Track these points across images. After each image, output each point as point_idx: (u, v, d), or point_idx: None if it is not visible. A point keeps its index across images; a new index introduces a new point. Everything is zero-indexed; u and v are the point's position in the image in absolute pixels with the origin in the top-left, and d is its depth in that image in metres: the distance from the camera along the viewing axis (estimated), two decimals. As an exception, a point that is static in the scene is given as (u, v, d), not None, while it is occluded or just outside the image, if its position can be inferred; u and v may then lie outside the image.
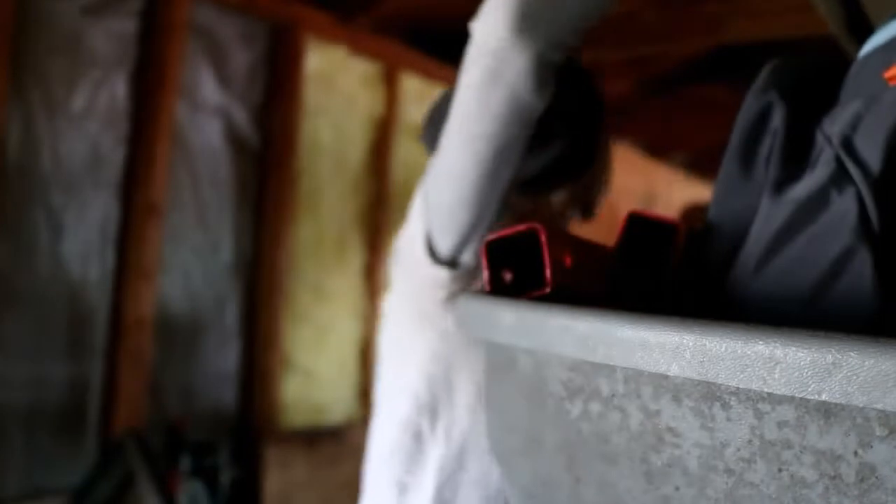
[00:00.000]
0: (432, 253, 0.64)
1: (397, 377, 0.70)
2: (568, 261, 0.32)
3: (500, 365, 0.32)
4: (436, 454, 0.67)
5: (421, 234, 0.65)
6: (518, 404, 0.30)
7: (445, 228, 0.63)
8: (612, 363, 0.23)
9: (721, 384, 0.20)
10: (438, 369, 0.67)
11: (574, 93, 0.71)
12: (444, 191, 0.62)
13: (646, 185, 3.68)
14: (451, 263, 0.64)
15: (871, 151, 0.25)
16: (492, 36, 0.54)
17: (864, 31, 0.34)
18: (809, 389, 0.18)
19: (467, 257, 0.64)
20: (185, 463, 1.65)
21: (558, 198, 0.74)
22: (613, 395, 0.24)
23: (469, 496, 0.66)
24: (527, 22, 0.52)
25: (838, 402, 0.18)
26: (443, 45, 2.13)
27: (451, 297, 0.65)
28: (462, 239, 0.63)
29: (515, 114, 0.56)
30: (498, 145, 0.58)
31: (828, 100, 0.31)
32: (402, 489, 0.69)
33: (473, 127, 0.58)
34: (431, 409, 0.67)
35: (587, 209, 0.77)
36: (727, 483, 0.21)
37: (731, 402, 0.21)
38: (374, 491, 0.72)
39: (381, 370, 0.74)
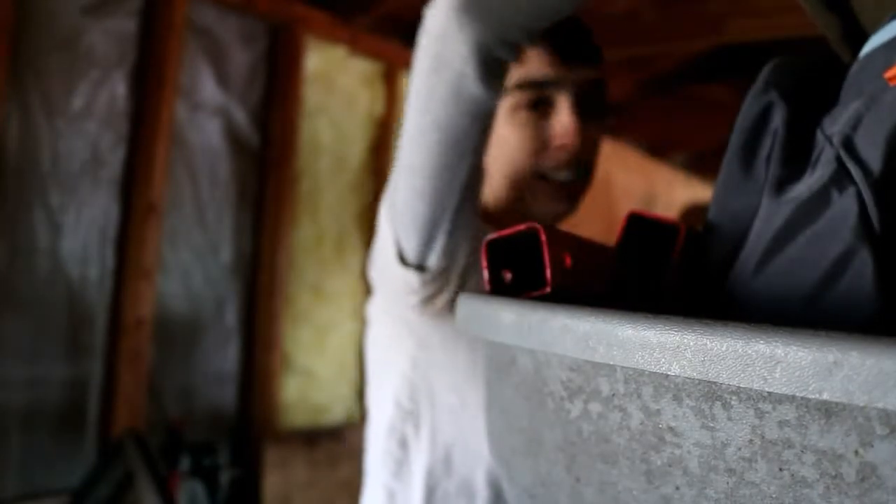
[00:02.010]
0: (402, 257, 0.63)
1: (381, 384, 0.70)
2: (568, 261, 0.32)
3: (500, 365, 0.32)
4: (421, 461, 0.67)
5: (390, 239, 0.64)
6: (518, 404, 0.30)
7: (408, 228, 0.61)
8: (612, 363, 0.23)
9: (722, 383, 0.20)
10: (418, 376, 0.67)
11: None
12: (403, 186, 0.60)
13: (646, 185, 3.68)
14: (420, 267, 0.63)
15: (872, 151, 0.25)
16: (439, 19, 0.53)
17: (859, 39, 0.34)
18: (810, 389, 0.18)
19: (434, 260, 0.62)
20: (185, 463, 1.65)
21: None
22: (614, 395, 0.24)
23: (456, 502, 0.66)
24: (472, 4, 0.51)
25: (839, 401, 0.18)
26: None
27: (425, 303, 0.64)
28: (425, 238, 0.61)
29: (461, 102, 0.54)
30: (448, 136, 0.56)
31: (828, 100, 0.31)
32: (391, 495, 0.69)
33: (424, 116, 0.57)
34: (414, 415, 0.67)
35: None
36: (728, 483, 0.21)
37: (732, 402, 0.21)
38: (368, 494, 0.72)
39: (368, 377, 0.73)
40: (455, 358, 0.65)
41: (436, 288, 0.63)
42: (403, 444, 0.68)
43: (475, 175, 0.60)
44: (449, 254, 0.62)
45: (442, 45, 0.53)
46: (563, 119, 0.66)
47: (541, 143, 0.67)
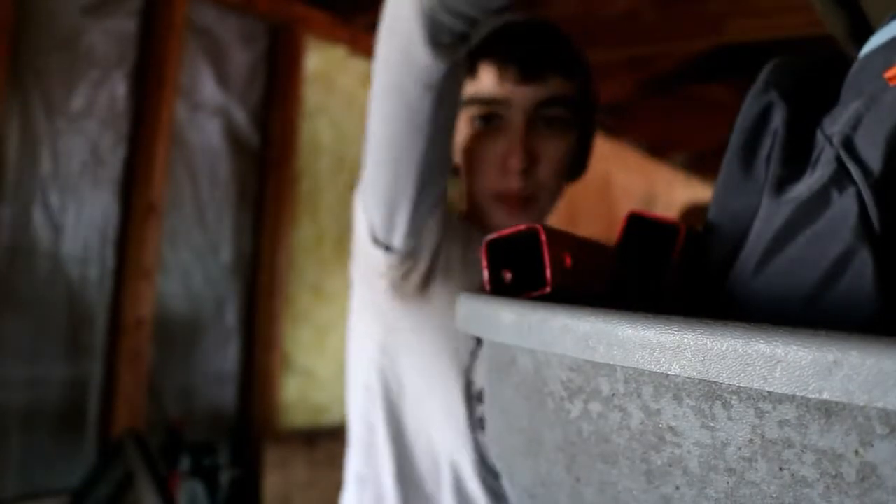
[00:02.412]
0: (374, 237, 0.63)
1: (355, 373, 0.70)
2: (568, 261, 0.32)
3: (500, 365, 0.32)
4: (389, 446, 0.67)
5: (362, 217, 0.64)
6: (518, 404, 0.30)
7: (371, 201, 0.61)
8: (612, 363, 0.23)
9: (722, 383, 0.20)
10: (386, 361, 0.67)
11: None
12: (367, 157, 0.60)
13: (646, 185, 3.68)
14: (387, 248, 0.63)
15: (872, 151, 0.26)
16: None
17: (866, 35, 0.34)
18: (810, 388, 0.18)
19: (398, 240, 0.62)
20: (185, 463, 1.66)
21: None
22: (614, 395, 0.24)
23: (424, 485, 0.66)
24: None
25: (839, 400, 0.18)
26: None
27: (394, 287, 0.64)
28: (387, 213, 0.61)
29: (411, 68, 0.54)
30: (400, 104, 0.55)
31: (828, 99, 0.31)
32: (362, 482, 0.69)
33: (380, 82, 0.56)
34: (383, 400, 0.67)
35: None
36: (728, 482, 0.21)
37: (732, 402, 0.21)
38: (346, 484, 0.73)
39: (347, 370, 0.74)
40: (422, 343, 0.65)
41: (403, 271, 0.63)
42: (372, 429, 0.68)
43: (435, 155, 0.59)
44: (413, 235, 0.62)
45: (394, 7, 0.53)
46: (510, 139, 0.66)
47: (491, 161, 0.67)
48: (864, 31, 0.34)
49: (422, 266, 0.64)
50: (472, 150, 0.68)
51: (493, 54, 0.66)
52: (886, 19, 0.29)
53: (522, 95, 0.65)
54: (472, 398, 0.65)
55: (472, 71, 0.67)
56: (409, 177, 0.59)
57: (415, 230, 0.62)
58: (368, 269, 0.65)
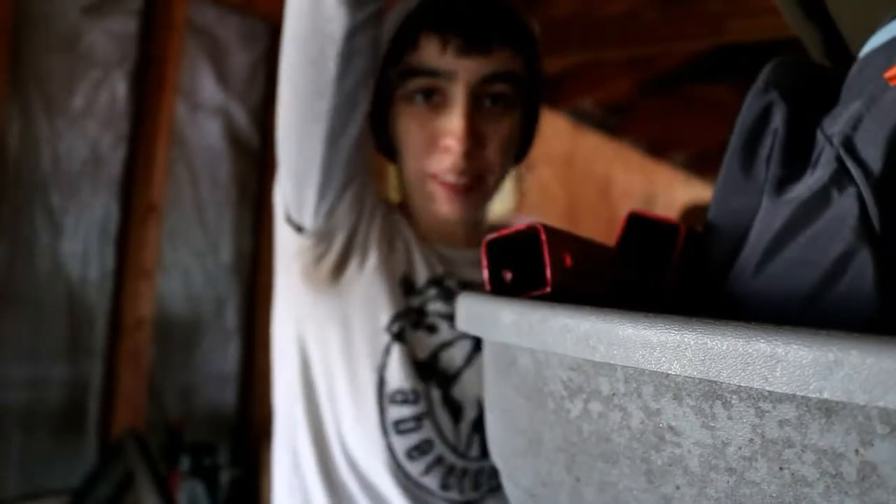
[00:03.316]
0: (287, 215, 0.60)
1: (278, 366, 0.66)
2: (568, 260, 0.32)
3: (500, 365, 0.32)
4: (310, 449, 0.62)
5: (278, 193, 0.61)
6: (519, 404, 0.30)
7: (283, 171, 0.58)
8: (612, 362, 0.23)
9: (722, 383, 0.21)
10: (301, 356, 0.63)
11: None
12: (277, 127, 0.58)
13: (646, 185, 3.68)
14: (298, 227, 0.59)
15: (872, 151, 0.26)
16: None
17: (840, 50, 0.34)
18: (811, 388, 0.18)
19: (308, 220, 0.58)
20: (185, 463, 1.66)
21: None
22: (614, 395, 0.24)
23: (346, 484, 0.62)
24: None
25: (839, 400, 0.18)
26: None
27: (306, 272, 0.60)
28: (295, 184, 0.57)
29: (315, 16, 0.51)
30: (304, 57, 0.52)
31: (828, 99, 0.31)
32: (291, 490, 0.64)
33: (286, 33, 0.54)
34: (303, 399, 0.63)
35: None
36: (728, 482, 0.21)
37: (733, 401, 0.21)
38: (274, 493, 0.67)
39: (273, 361, 0.69)
40: (333, 337, 0.61)
41: (315, 255, 0.60)
42: (296, 435, 0.64)
43: (343, 126, 0.55)
44: (323, 215, 0.58)
45: None
46: (451, 118, 0.59)
47: (430, 140, 0.60)
48: (837, 42, 0.34)
49: (334, 251, 0.60)
50: (409, 128, 0.61)
51: (436, 23, 0.59)
52: (885, 20, 0.29)
53: (467, 68, 0.58)
54: (385, 398, 0.60)
55: (412, 41, 0.60)
56: (315, 147, 0.55)
57: (324, 209, 0.58)
58: (283, 250, 0.62)
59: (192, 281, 1.79)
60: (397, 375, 0.60)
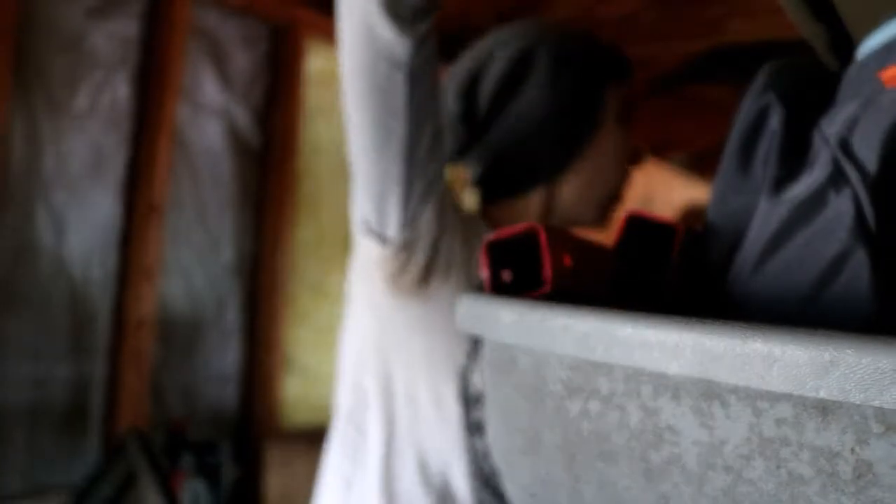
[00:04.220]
0: (367, 227, 0.61)
1: (347, 368, 0.68)
2: (568, 261, 0.32)
3: (500, 364, 0.32)
4: (377, 448, 0.64)
5: (356, 208, 0.62)
6: (518, 404, 0.30)
7: (360, 190, 0.59)
8: (611, 362, 0.23)
9: (720, 382, 0.21)
10: (378, 360, 0.64)
11: (531, 93, 0.65)
12: (351, 144, 0.58)
13: (645, 186, 3.67)
14: (382, 238, 0.60)
15: (868, 152, 0.26)
16: None
17: (846, 47, 0.34)
18: (807, 387, 0.18)
19: (392, 231, 0.59)
20: (187, 462, 1.66)
21: (531, 202, 0.69)
22: (613, 394, 0.24)
23: (411, 489, 0.63)
24: None
25: (836, 399, 0.18)
26: (442, 46, 2.12)
27: (391, 281, 0.61)
28: (377, 203, 0.58)
29: (375, 45, 0.52)
30: (372, 85, 0.53)
31: (825, 101, 0.31)
32: (348, 484, 0.66)
33: (346, 65, 0.55)
34: (377, 401, 0.64)
35: (589, 213, 0.72)
36: (726, 480, 0.21)
37: (730, 400, 0.21)
38: (325, 485, 0.69)
39: (340, 361, 0.70)
40: (417, 341, 0.62)
41: (400, 263, 0.60)
42: (360, 430, 0.65)
43: (419, 139, 0.56)
44: (408, 226, 0.59)
45: None
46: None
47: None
48: (845, 42, 0.34)
49: (420, 259, 0.61)
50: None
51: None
52: (882, 22, 0.30)
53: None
54: (469, 401, 0.62)
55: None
56: (394, 164, 0.56)
57: (408, 221, 0.59)
58: (365, 261, 0.63)
59: (194, 281, 1.79)
60: (479, 377, 0.62)
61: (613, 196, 0.73)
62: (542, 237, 0.31)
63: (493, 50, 0.69)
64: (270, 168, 1.94)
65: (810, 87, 0.33)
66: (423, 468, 0.63)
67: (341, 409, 0.68)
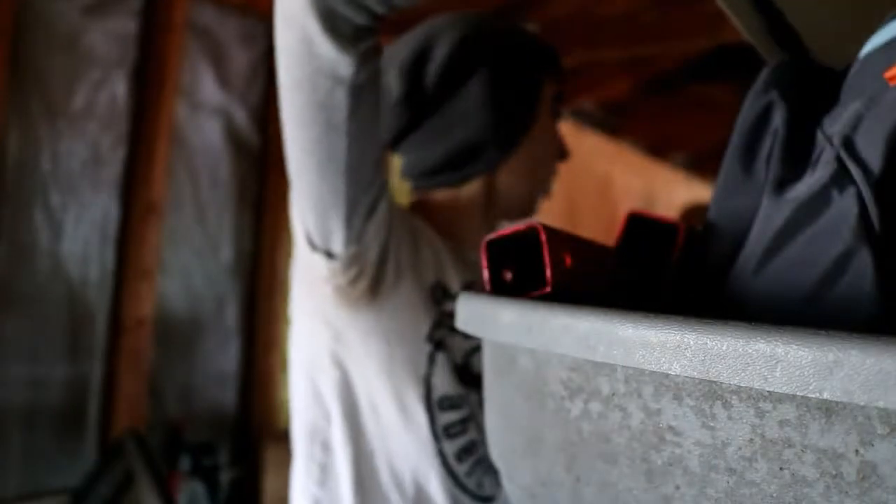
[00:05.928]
0: (310, 241, 0.59)
1: (301, 385, 0.66)
2: (568, 260, 0.32)
3: (500, 365, 0.32)
4: (347, 465, 0.63)
5: (298, 223, 0.61)
6: (518, 404, 0.30)
7: (303, 206, 0.58)
8: (612, 362, 0.23)
9: (722, 383, 0.21)
10: (338, 372, 0.63)
11: (480, 77, 0.64)
12: (288, 161, 0.57)
13: (646, 185, 3.68)
14: (328, 253, 0.58)
15: (872, 151, 0.26)
16: None
17: (789, 36, 0.34)
18: (811, 388, 0.18)
19: (338, 247, 0.57)
20: (185, 463, 1.66)
21: (471, 190, 0.68)
22: (614, 395, 0.24)
23: (384, 501, 0.63)
24: None
25: (839, 400, 0.18)
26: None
27: (339, 293, 0.59)
28: (319, 218, 0.56)
29: (313, 63, 0.50)
30: (312, 101, 0.51)
31: (828, 100, 0.31)
32: (324, 471, 0.65)
33: (285, 77, 0.52)
34: (339, 415, 0.63)
35: (524, 205, 0.71)
36: (728, 482, 0.21)
37: (733, 401, 0.21)
38: (295, 478, 0.68)
39: (290, 381, 0.69)
40: (375, 351, 0.61)
41: (349, 277, 0.59)
42: (327, 448, 0.64)
43: (363, 156, 0.54)
44: (354, 241, 0.57)
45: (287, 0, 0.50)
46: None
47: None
48: (785, 33, 0.34)
49: (369, 271, 0.59)
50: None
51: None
52: (886, 20, 0.29)
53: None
54: (434, 405, 0.61)
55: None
56: (337, 182, 0.54)
57: (354, 236, 0.57)
58: (311, 275, 0.61)
59: (192, 281, 1.79)
60: (442, 382, 0.62)
61: (545, 189, 0.74)
62: (543, 237, 0.31)
63: (438, 33, 0.67)
64: (269, 167, 1.94)
65: (813, 86, 0.32)
66: (396, 479, 0.63)
67: (302, 427, 0.67)
